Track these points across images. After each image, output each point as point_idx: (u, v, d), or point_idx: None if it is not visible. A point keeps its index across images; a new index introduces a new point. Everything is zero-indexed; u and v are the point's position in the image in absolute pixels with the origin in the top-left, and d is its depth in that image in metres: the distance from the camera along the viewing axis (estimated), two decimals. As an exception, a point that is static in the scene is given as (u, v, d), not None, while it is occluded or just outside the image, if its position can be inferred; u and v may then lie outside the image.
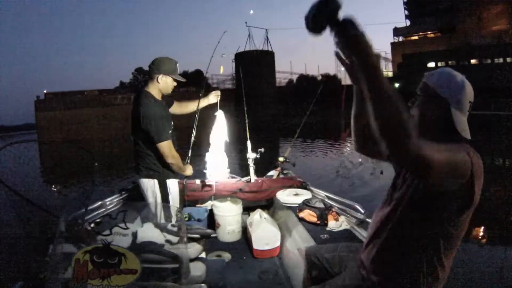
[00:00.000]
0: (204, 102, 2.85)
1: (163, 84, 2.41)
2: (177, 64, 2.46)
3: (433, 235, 1.11)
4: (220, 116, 3.04)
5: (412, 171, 1.04)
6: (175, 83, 2.47)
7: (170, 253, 1.35)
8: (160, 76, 2.38)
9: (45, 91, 40.73)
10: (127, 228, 1.21)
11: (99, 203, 2.47)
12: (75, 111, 36.90)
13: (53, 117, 36.25)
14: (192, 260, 1.93)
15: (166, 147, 2.32)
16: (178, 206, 2.59)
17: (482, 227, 4.16)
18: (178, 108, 2.82)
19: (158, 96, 2.44)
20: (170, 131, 2.43)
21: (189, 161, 2.71)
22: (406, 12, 59.73)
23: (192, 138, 2.84)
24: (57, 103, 37.45)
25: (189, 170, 2.61)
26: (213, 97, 2.87)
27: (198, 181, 3.16)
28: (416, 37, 54.71)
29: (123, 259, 1.13)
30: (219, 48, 3.34)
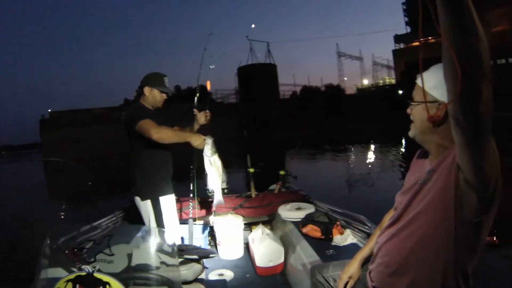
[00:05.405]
0: (196, 126, 2.61)
1: (150, 96, 2.41)
2: (165, 78, 2.43)
3: (456, 245, 0.96)
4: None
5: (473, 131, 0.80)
6: (164, 96, 2.44)
7: (161, 276, 1.26)
8: (147, 88, 2.39)
9: (49, 110, 41.24)
10: (112, 254, 1.13)
11: (93, 224, 2.37)
12: (81, 129, 37.17)
13: (58, 136, 36.55)
14: (191, 282, 1.85)
15: (145, 123, 2.16)
16: (174, 224, 2.50)
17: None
18: None
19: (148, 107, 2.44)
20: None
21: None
22: (406, 19, 60.16)
23: (193, 169, 2.74)
24: (62, 122, 37.81)
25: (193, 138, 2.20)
26: (202, 120, 2.61)
27: (197, 198, 3.06)
28: (417, 43, 54.90)
29: (107, 287, 1.05)
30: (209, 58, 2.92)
